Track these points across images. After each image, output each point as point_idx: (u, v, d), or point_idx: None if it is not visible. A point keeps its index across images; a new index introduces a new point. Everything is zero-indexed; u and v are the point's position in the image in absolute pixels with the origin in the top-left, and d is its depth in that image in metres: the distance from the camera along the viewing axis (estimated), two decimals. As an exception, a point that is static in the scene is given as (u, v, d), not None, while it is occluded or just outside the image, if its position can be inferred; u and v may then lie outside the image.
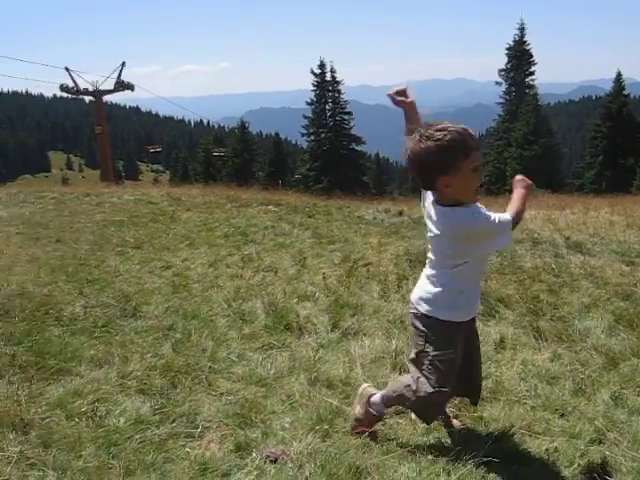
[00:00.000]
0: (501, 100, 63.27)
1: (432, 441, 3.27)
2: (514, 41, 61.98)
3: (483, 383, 3.90)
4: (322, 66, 60.71)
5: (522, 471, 3.02)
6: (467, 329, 3.21)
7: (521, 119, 56.67)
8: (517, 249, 9.32)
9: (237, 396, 3.92)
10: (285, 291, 6.63)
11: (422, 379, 3.10)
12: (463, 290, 3.08)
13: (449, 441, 3.27)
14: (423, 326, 3.11)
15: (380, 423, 3.44)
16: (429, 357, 3.07)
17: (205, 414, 3.69)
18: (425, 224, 3.13)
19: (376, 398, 3.34)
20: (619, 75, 58.44)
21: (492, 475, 2.93)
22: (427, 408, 3.20)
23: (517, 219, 3.05)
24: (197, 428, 3.51)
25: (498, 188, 47.56)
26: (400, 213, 14.42)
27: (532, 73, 61.94)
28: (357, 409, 3.41)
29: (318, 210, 14.92)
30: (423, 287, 3.16)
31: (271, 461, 3.05)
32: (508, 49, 62.34)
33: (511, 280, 7.09)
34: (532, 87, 61.17)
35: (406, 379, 3.24)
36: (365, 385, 3.52)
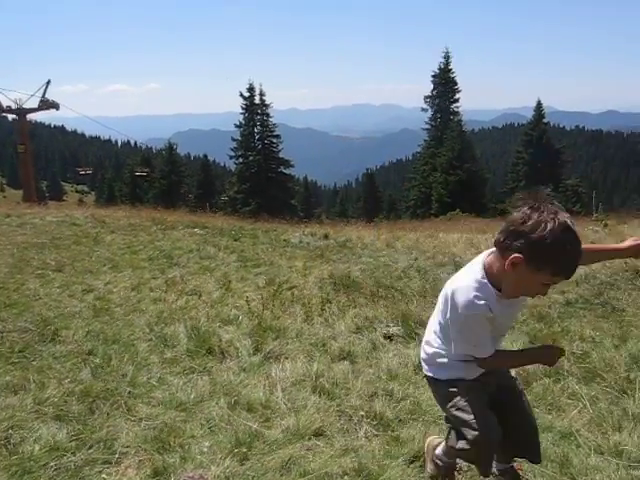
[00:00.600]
0: (427, 126, 64.63)
1: (349, 462, 3.32)
2: (439, 69, 63.55)
3: (402, 404, 4.00)
4: (251, 89, 60.96)
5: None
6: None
7: (446, 145, 57.99)
8: (439, 273, 9.53)
9: (156, 421, 3.88)
10: (208, 315, 6.61)
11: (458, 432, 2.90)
12: None
13: (366, 462, 3.32)
14: None
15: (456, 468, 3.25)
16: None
17: (123, 439, 3.65)
18: None
19: (439, 451, 3.15)
20: (539, 104, 60.66)
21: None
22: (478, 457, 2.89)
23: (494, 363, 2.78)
24: (115, 454, 3.46)
25: (423, 212, 48.41)
26: (326, 236, 14.56)
27: (457, 100, 63.60)
28: (428, 467, 3.23)
29: (244, 233, 14.94)
30: None
31: (189, 486, 3.04)
32: (433, 76, 63.85)
33: (432, 303, 7.22)
34: (457, 114, 62.74)
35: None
36: (430, 438, 3.34)
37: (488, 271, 2.59)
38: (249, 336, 5.82)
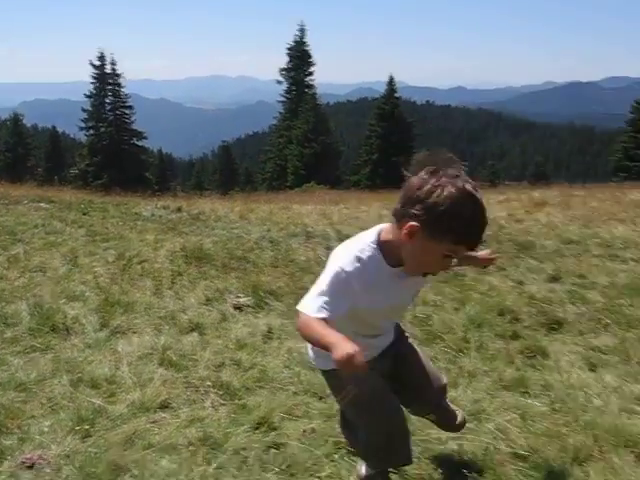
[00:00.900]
0: (282, 99, 64.80)
1: (194, 433, 3.33)
2: (295, 42, 63.75)
3: (249, 373, 4.06)
4: (102, 58, 58.77)
5: (280, 452, 3.18)
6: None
7: (301, 118, 58.48)
8: (291, 243, 9.68)
9: (-7, 403, 3.73)
10: (53, 292, 6.35)
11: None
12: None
13: (211, 430, 3.35)
14: None
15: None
16: None
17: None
18: None
19: (362, 470, 2.95)
20: (391, 79, 62.21)
21: (250, 460, 3.06)
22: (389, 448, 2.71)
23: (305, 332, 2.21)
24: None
25: (279, 184, 48.74)
26: (179, 209, 14.38)
27: (311, 73, 64.15)
28: None
29: (94, 207, 14.46)
30: None
31: (27, 467, 2.95)
32: (289, 49, 63.99)
33: (283, 273, 7.35)
34: (311, 87, 63.33)
35: None
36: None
37: (382, 239, 2.38)
38: (96, 312, 5.65)
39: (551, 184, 24.74)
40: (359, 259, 2.32)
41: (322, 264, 7.06)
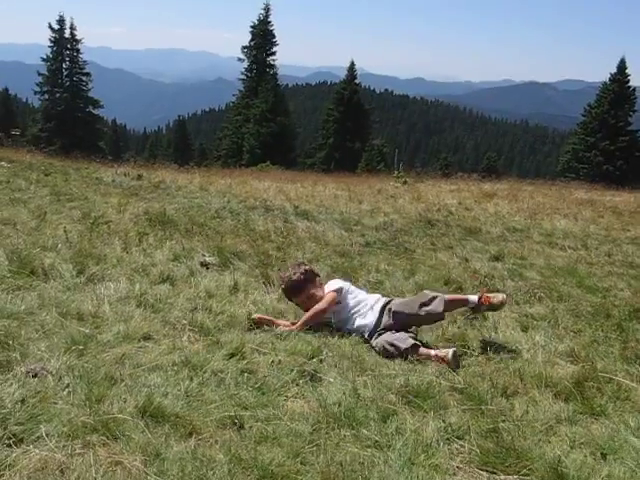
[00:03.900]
0: (242, 76, 64.50)
1: (176, 358, 3.77)
2: (258, 20, 63.41)
3: (220, 317, 4.53)
4: (61, 22, 57.69)
5: (253, 376, 3.65)
6: None
7: (260, 97, 58.37)
8: (251, 214, 10.10)
9: (-12, 328, 4.06)
10: (26, 242, 6.64)
11: None
12: None
13: (191, 356, 3.78)
14: None
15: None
16: None
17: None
18: None
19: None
20: (352, 64, 62.52)
21: (227, 380, 3.52)
22: None
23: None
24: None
25: (234, 162, 48.74)
26: (140, 177, 14.65)
27: (273, 53, 63.87)
28: None
29: (55, 169, 14.65)
30: None
31: (32, 376, 3.33)
32: (252, 27, 63.62)
33: (245, 240, 7.77)
34: (273, 67, 63.16)
35: None
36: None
37: None
38: (70, 262, 5.95)
39: (501, 178, 25.52)
40: None
41: (280, 234, 7.55)
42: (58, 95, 57.75)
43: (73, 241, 6.90)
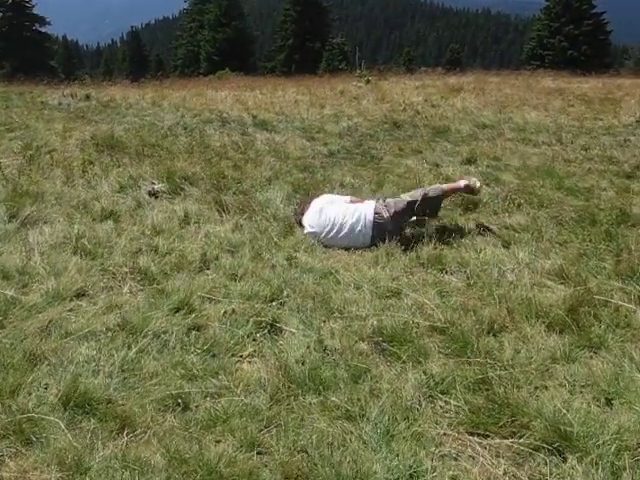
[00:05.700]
0: (193, -19, 61.79)
1: (112, 319, 3.28)
2: None
3: (167, 258, 4.01)
4: None
5: (201, 334, 3.17)
6: None
7: (213, 1, 56.09)
8: (206, 129, 9.44)
9: None
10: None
11: None
12: None
13: (130, 316, 3.29)
14: None
15: None
16: None
17: None
18: None
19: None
20: (307, -41, 59.90)
21: (171, 342, 3.04)
22: None
23: None
24: None
25: (192, 71, 47.18)
26: (88, 97, 13.75)
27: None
28: None
29: (-6, 96, 13.72)
30: None
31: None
32: None
33: (199, 159, 7.18)
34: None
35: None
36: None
37: None
38: (4, 203, 5.40)
39: (466, 71, 24.75)
40: None
41: (238, 150, 6.94)
42: (1, 15, 54.86)
43: (10, 178, 6.28)
